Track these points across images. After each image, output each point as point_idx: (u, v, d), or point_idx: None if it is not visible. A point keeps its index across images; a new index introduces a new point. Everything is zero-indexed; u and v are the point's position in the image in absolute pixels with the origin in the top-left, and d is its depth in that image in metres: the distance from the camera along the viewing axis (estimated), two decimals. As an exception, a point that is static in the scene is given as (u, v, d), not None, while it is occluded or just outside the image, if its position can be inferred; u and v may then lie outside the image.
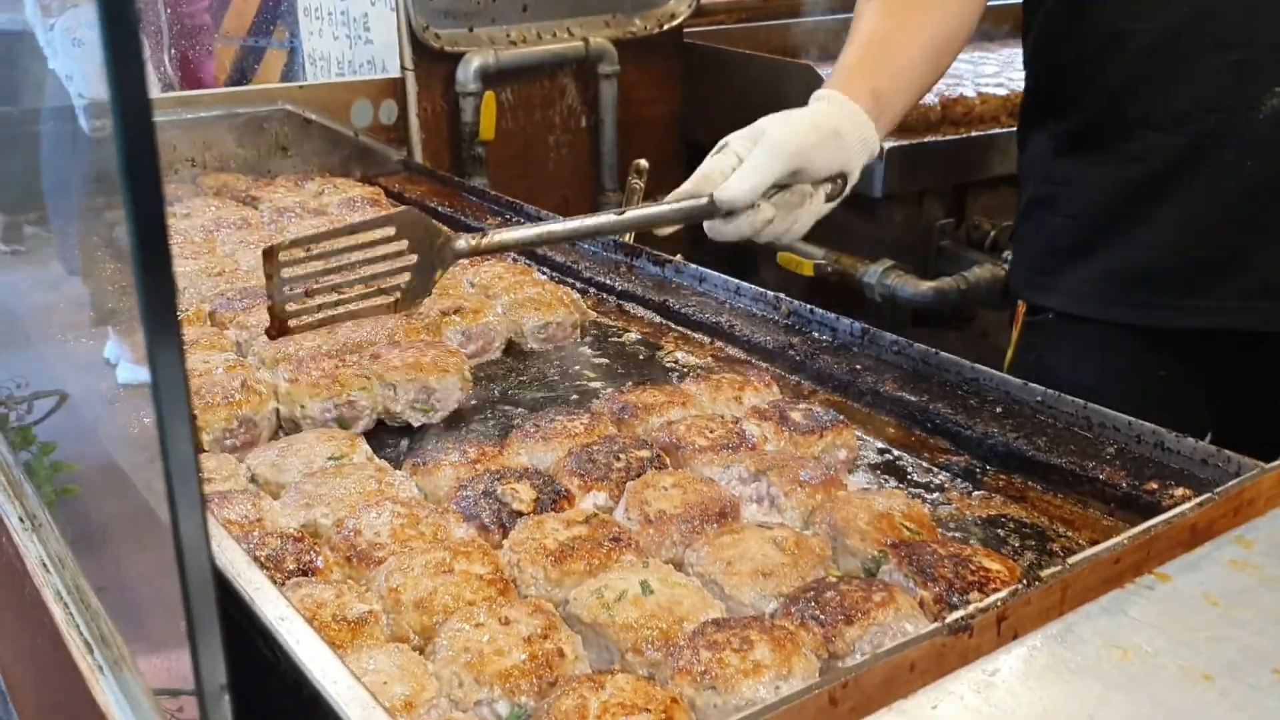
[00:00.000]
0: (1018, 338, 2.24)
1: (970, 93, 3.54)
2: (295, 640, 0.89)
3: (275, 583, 1.27)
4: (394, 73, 3.31)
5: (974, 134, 3.43)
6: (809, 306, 2.10)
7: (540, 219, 2.70)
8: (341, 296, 1.70)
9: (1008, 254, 3.09)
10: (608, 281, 2.39)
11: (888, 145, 3.15)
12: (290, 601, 0.97)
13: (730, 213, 1.75)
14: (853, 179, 1.84)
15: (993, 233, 3.29)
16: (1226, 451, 1.51)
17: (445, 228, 1.67)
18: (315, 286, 1.67)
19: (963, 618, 0.96)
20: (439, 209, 2.88)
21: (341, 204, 2.71)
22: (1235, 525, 1.18)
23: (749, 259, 3.57)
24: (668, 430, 1.63)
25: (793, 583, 1.29)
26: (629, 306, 2.31)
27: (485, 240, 1.69)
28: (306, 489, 1.48)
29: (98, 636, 0.89)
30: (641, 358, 2.08)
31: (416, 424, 1.84)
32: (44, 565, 1.00)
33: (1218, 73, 1.88)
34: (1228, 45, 1.86)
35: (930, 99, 3.38)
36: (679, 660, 1.15)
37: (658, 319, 2.26)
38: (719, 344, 2.13)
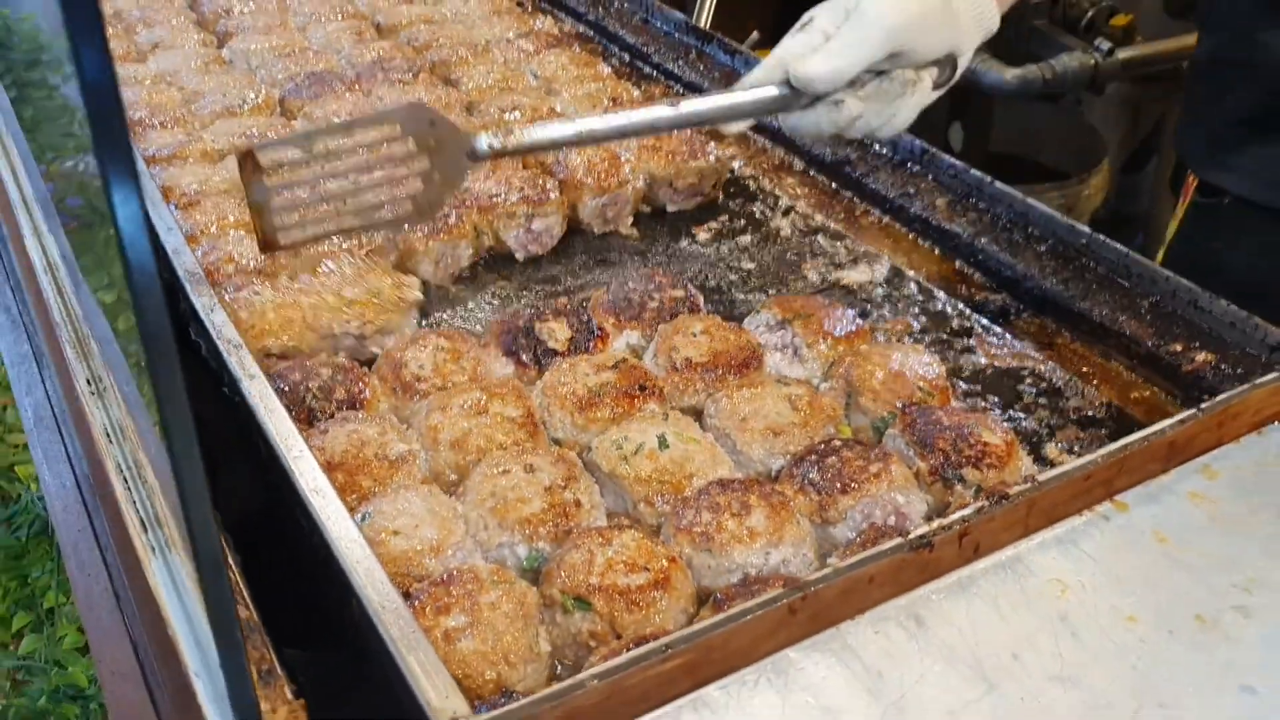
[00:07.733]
0: (1179, 225, 2.00)
1: None
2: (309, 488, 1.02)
3: (323, 415, 1.40)
4: None
5: (1085, -105, 3.18)
6: (873, 115, 2.07)
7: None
8: (339, 209, 1.36)
9: (1100, 41, 2.95)
10: (675, 70, 2.37)
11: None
12: (315, 450, 1.11)
13: (812, 101, 1.46)
14: (963, 62, 1.55)
15: (1090, 13, 3.10)
16: (1256, 319, 1.52)
17: (458, 126, 1.37)
18: (305, 197, 1.34)
19: (924, 534, 1.04)
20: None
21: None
22: (1216, 443, 1.22)
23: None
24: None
25: (801, 442, 1.38)
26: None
27: (512, 139, 1.40)
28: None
29: (151, 516, 1.01)
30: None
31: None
32: (106, 434, 1.12)
33: None
34: None
35: None
36: (681, 519, 1.27)
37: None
38: (777, 150, 2.14)
